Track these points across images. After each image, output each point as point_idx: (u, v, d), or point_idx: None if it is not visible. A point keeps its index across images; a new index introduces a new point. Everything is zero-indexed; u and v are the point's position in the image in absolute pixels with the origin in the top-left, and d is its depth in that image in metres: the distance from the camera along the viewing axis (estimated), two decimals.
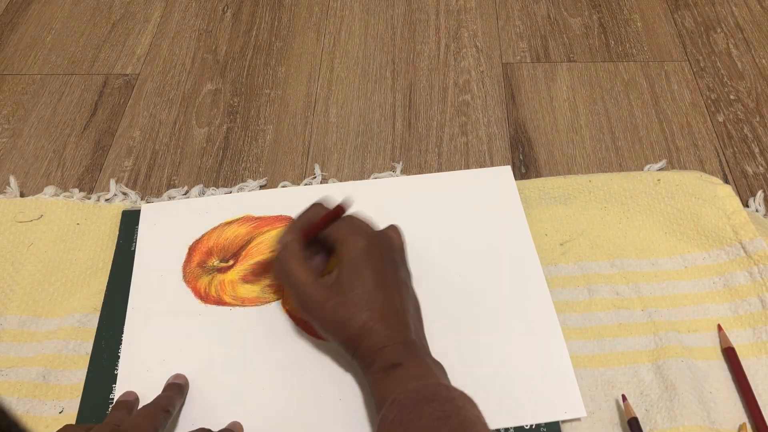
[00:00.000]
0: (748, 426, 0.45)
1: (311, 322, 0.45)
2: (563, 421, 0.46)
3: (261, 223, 0.57)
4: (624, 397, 0.46)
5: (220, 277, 0.54)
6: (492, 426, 0.45)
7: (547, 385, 0.47)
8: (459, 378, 0.47)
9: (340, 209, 0.47)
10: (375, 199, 0.58)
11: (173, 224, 0.57)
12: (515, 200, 0.57)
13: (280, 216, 0.57)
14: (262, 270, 0.54)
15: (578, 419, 0.46)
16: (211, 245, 0.56)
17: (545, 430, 0.45)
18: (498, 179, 0.59)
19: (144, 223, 0.57)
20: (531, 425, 0.45)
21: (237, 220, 0.57)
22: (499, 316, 0.51)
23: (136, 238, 0.56)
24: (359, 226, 0.47)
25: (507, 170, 0.60)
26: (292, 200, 0.58)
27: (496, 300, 0.51)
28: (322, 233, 0.47)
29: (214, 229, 0.57)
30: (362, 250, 0.44)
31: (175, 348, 0.50)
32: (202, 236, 0.56)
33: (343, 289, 0.43)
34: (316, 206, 0.49)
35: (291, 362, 0.49)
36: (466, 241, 0.55)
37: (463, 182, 0.59)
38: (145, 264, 0.54)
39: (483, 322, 0.50)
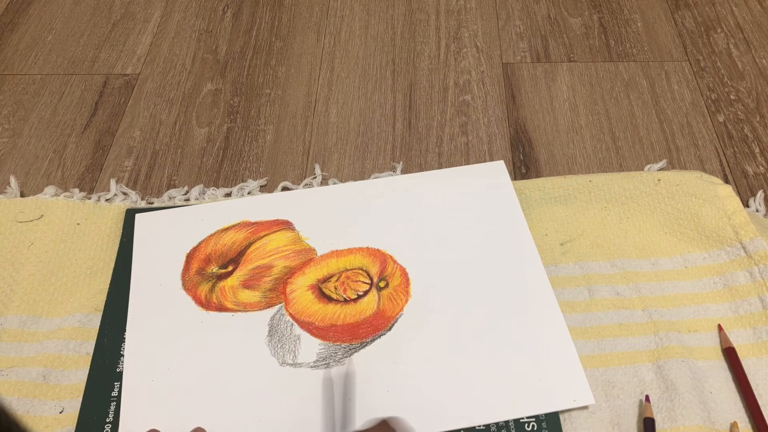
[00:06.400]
0: (739, 425, 0.45)
1: None
2: (563, 412, 0.46)
3: (258, 228, 0.57)
4: (647, 398, 0.46)
5: (220, 283, 0.54)
6: (502, 418, 0.46)
7: (554, 375, 0.47)
8: (464, 374, 0.47)
9: None
10: (369, 199, 0.58)
11: (168, 233, 0.57)
12: (510, 193, 0.58)
13: (277, 220, 0.57)
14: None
15: (580, 416, 0.46)
16: (209, 252, 0.55)
17: (545, 424, 0.45)
18: (492, 173, 0.60)
19: (139, 232, 0.56)
20: (533, 427, 0.45)
21: (234, 226, 0.57)
22: (500, 307, 0.51)
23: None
24: None
25: (501, 165, 0.60)
26: (287, 204, 0.58)
27: (496, 291, 0.52)
28: None
29: (211, 235, 0.56)
30: None
31: (179, 356, 0.49)
32: (199, 243, 0.56)
33: None
34: None
35: (295, 365, 0.49)
36: (464, 234, 0.55)
37: (458, 178, 0.60)
38: (142, 274, 0.54)
39: (484, 315, 0.51)
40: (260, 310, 0.52)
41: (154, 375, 0.48)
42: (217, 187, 0.61)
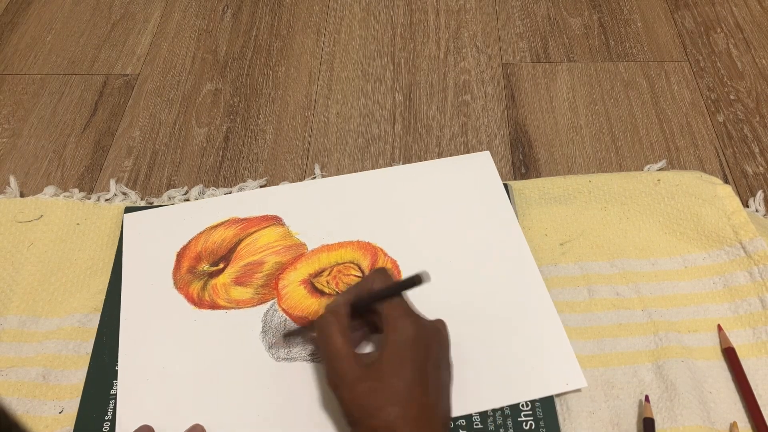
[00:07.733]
0: (739, 425, 0.45)
1: (335, 395, 0.42)
2: (560, 394, 0.46)
3: (247, 224, 0.57)
4: (647, 398, 0.46)
5: (212, 281, 0.54)
6: (497, 405, 0.46)
7: (546, 361, 0.48)
8: (457, 363, 0.47)
9: (403, 286, 0.43)
10: (358, 192, 0.59)
11: (157, 232, 0.56)
12: (497, 183, 0.58)
13: (266, 216, 0.57)
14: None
15: (580, 416, 0.46)
16: (199, 250, 0.55)
17: (543, 423, 0.45)
18: (479, 164, 0.60)
19: (128, 232, 0.56)
20: (531, 426, 0.45)
21: (222, 223, 0.57)
22: (490, 295, 0.51)
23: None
24: (412, 311, 0.43)
25: (486, 155, 0.61)
26: (276, 199, 0.59)
27: (486, 280, 0.52)
28: (372, 306, 0.43)
29: (201, 233, 0.56)
30: (411, 338, 0.41)
31: (173, 355, 0.49)
32: (189, 242, 0.56)
33: (381, 374, 0.39)
34: (379, 273, 0.45)
35: (290, 359, 0.49)
36: (453, 225, 0.56)
37: (445, 169, 0.60)
38: (133, 274, 0.54)
39: (475, 303, 0.51)
40: (253, 306, 0.52)
41: (149, 374, 0.48)
42: (217, 187, 0.61)
